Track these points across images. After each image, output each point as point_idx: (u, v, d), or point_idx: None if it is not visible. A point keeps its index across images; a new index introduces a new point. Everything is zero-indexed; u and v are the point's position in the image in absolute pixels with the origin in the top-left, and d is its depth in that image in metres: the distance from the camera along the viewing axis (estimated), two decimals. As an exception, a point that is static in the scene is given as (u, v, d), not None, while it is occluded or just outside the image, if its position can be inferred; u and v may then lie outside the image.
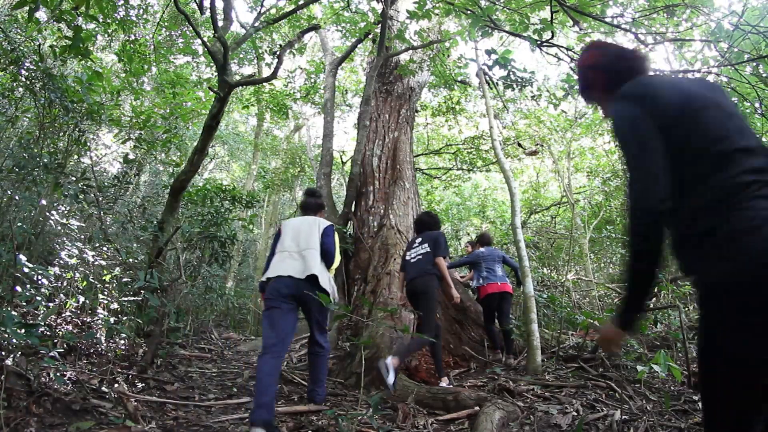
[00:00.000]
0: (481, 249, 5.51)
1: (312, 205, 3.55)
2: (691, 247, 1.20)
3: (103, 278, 3.91)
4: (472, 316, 5.42)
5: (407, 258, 4.12)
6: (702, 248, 1.15)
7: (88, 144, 5.27)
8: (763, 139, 5.43)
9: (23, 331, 2.40)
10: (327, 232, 3.26)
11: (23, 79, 4.46)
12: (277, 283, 3.02)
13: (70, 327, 3.43)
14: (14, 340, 2.52)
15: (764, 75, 4.30)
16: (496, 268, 5.28)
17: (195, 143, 5.43)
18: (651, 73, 1.53)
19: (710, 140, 1.22)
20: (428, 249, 4.00)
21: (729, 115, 1.28)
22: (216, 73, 5.73)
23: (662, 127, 1.26)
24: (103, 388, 2.95)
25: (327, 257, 3.19)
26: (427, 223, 4.26)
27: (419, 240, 4.14)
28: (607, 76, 1.54)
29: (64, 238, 4.21)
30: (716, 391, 1.16)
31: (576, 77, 2.29)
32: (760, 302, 1.03)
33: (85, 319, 3.65)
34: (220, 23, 5.15)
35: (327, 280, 3.13)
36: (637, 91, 1.36)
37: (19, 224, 3.86)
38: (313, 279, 3.03)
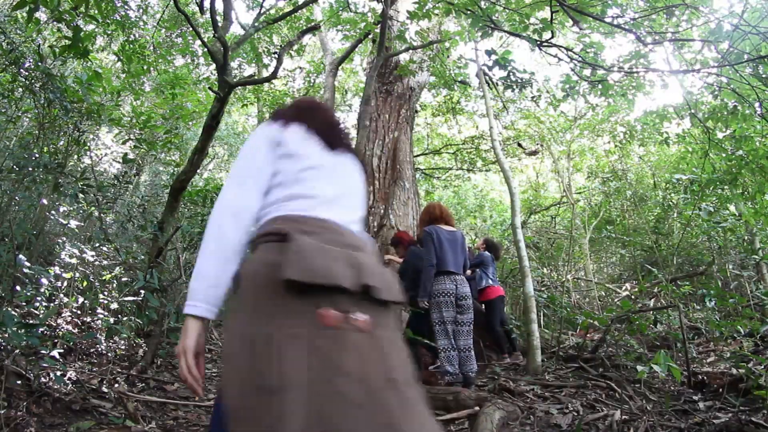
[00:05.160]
0: (486, 252, 5.52)
1: None
2: None
3: (103, 278, 3.90)
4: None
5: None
6: None
7: (88, 144, 5.26)
8: (764, 141, 5.44)
9: (23, 331, 2.40)
10: None
11: (23, 79, 4.45)
12: None
13: (70, 327, 3.43)
14: (14, 340, 2.51)
15: (764, 76, 4.28)
16: (494, 271, 5.33)
17: (195, 143, 5.43)
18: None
19: None
20: None
21: None
22: (216, 73, 5.73)
23: None
24: (103, 388, 2.95)
25: None
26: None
27: None
28: None
29: (64, 238, 4.20)
30: None
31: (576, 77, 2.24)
32: None
33: (85, 319, 3.65)
34: (220, 23, 5.15)
35: None
36: None
37: (19, 224, 3.86)
38: None
